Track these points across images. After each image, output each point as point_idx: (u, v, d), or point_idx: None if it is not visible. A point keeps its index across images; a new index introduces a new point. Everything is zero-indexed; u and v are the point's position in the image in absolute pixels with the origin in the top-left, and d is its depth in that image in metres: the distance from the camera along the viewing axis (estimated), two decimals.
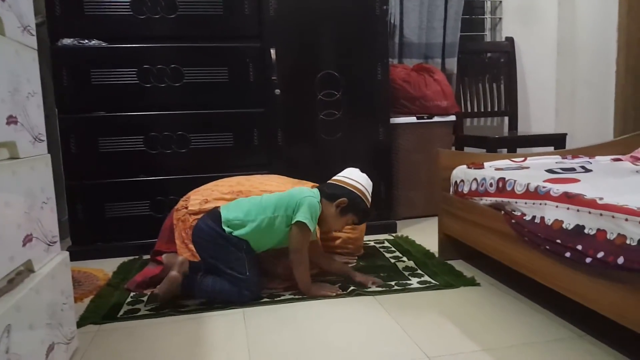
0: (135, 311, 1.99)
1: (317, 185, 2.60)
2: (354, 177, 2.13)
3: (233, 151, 2.87)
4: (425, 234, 2.96)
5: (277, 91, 2.85)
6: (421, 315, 1.88)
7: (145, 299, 2.11)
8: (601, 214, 1.42)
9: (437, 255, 2.54)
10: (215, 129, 2.84)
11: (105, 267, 2.55)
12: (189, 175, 2.78)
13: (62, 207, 2.76)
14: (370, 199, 2.15)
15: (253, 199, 2.13)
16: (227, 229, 2.02)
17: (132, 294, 2.18)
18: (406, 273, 2.31)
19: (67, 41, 2.66)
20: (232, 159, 2.87)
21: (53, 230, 1.54)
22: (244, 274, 2.00)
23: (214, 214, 2.08)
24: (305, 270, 2.07)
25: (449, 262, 2.43)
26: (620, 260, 1.32)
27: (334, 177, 2.18)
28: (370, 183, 2.17)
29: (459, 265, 2.39)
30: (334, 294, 2.08)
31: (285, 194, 2.11)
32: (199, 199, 2.39)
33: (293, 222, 2.01)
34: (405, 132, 3.36)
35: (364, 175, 2.16)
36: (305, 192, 2.08)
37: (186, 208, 2.38)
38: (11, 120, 1.27)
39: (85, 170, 2.73)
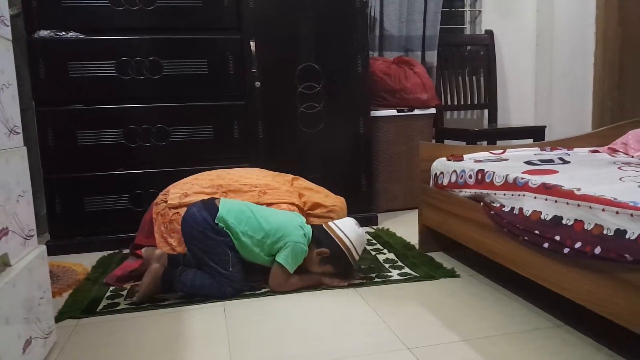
0: (115, 305, 1.98)
1: (297, 178, 2.61)
2: (346, 231, 2.08)
3: (213, 144, 2.85)
4: (405, 226, 2.97)
5: (258, 84, 2.84)
6: (401, 306, 1.89)
7: (124, 293, 2.09)
8: (579, 205, 1.44)
9: (417, 247, 2.55)
10: (195, 122, 2.82)
11: (84, 262, 2.52)
12: (168, 168, 2.76)
13: (40, 201, 2.73)
14: (357, 256, 2.11)
15: (253, 212, 2.08)
16: (220, 224, 2.00)
17: (111, 288, 2.16)
18: (387, 265, 2.32)
19: (44, 33, 2.61)
20: (212, 152, 2.85)
21: (30, 223, 1.52)
22: (227, 269, 1.99)
23: (210, 205, 2.06)
24: (297, 285, 2.06)
25: (429, 253, 2.45)
26: (598, 250, 1.33)
27: (330, 223, 2.14)
28: (364, 240, 2.13)
29: (439, 256, 2.40)
30: (346, 283, 2.09)
31: (282, 223, 2.06)
32: (178, 192, 2.37)
33: (276, 258, 2.01)
34: (385, 124, 3.36)
35: (359, 230, 2.11)
36: (297, 233, 2.04)
37: (165, 202, 2.37)
38: None
39: (64, 163, 2.70)
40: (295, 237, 2.03)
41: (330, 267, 2.10)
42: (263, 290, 2.07)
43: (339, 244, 2.06)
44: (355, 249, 2.09)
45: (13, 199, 1.39)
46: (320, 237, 2.08)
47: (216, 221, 2.00)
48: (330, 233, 2.09)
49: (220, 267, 1.99)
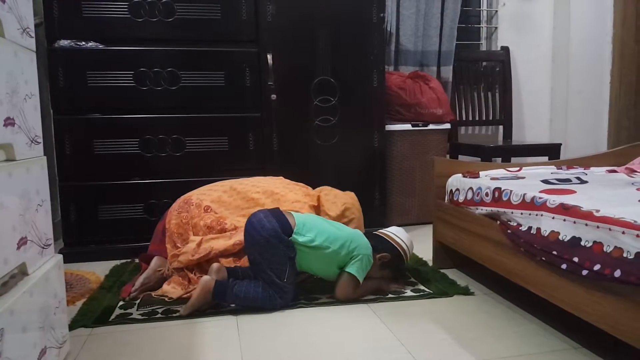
0: (127, 315, 1.98)
1: (307, 189, 2.59)
2: (401, 236, 2.24)
3: (228, 155, 2.86)
4: (418, 241, 2.91)
5: (273, 96, 2.85)
6: (415, 323, 1.87)
7: (137, 303, 2.10)
8: (598, 227, 1.42)
9: (430, 263, 2.53)
10: (211, 133, 2.83)
11: (97, 270, 2.53)
12: (183, 178, 2.77)
13: (55, 208, 2.74)
14: (409, 259, 2.27)
15: (326, 224, 2.15)
16: (294, 237, 2.02)
17: (125, 298, 2.15)
18: None
19: (64, 42, 2.65)
20: (227, 163, 2.86)
21: (47, 232, 1.53)
22: (282, 279, 2.00)
23: (278, 214, 2.08)
24: (360, 293, 2.12)
25: (442, 270, 2.43)
26: (617, 273, 1.32)
27: (383, 230, 2.28)
28: (413, 245, 2.28)
29: (452, 273, 2.39)
30: (402, 289, 2.20)
31: (352, 236, 2.13)
32: (192, 246, 2.26)
33: (347, 269, 2.07)
34: (400, 139, 3.36)
35: (408, 236, 2.27)
36: (365, 245, 2.13)
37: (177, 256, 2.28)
38: (8, 122, 1.25)
39: (79, 171, 2.72)
40: (364, 249, 2.11)
41: (389, 271, 2.23)
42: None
43: (398, 248, 2.20)
44: (409, 252, 2.25)
45: (32, 208, 1.40)
46: (376, 244, 2.19)
47: (291, 238, 2.02)
48: (388, 239, 2.22)
49: (275, 276, 2.00)
